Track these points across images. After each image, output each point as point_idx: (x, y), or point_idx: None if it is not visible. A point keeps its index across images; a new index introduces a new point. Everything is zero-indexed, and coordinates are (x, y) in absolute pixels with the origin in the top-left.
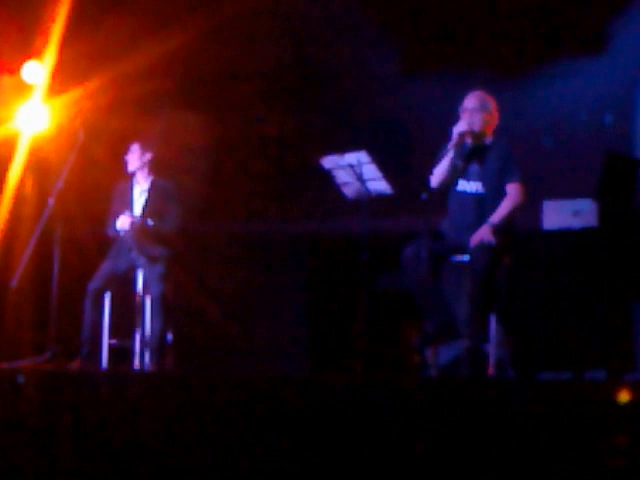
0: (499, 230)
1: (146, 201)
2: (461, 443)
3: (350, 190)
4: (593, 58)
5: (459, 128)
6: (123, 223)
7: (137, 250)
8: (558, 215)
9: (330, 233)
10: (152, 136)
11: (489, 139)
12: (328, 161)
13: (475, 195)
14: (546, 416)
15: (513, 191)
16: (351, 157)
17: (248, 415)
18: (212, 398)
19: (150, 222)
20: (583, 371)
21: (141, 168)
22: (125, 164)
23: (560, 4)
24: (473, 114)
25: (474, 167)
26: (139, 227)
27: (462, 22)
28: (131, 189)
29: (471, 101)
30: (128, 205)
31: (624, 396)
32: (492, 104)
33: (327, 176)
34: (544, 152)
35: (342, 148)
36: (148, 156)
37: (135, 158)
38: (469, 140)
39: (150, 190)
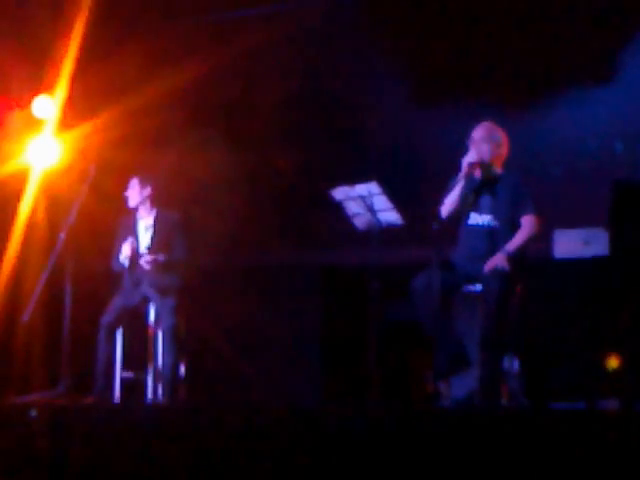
0: (513, 259)
1: (152, 235)
2: (475, 473)
3: (361, 221)
4: (603, 86)
5: (469, 158)
6: (125, 251)
7: (146, 281)
8: (569, 244)
9: (342, 264)
10: (151, 170)
11: (499, 171)
12: (339, 192)
13: (487, 228)
14: (560, 445)
15: (528, 223)
16: (362, 188)
17: (261, 447)
18: (225, 431)
19: (161, 257)
20: (596, 400)
21: (142, 202)
22: (126, 200)
23: (570, 33)
24: (481, 144)
25: (485, 200)
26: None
27: (473, 54)
28: (135, 222)
29: (479, 132)
30: (132, 237)
31: (613, 362)
32: (501, 135)
33: (338, 207)
34: (554, 181)
35: (353, 178)
36: (148, 190)
37: (135, 193)
38: (479, 172)
39: (155, 222)
